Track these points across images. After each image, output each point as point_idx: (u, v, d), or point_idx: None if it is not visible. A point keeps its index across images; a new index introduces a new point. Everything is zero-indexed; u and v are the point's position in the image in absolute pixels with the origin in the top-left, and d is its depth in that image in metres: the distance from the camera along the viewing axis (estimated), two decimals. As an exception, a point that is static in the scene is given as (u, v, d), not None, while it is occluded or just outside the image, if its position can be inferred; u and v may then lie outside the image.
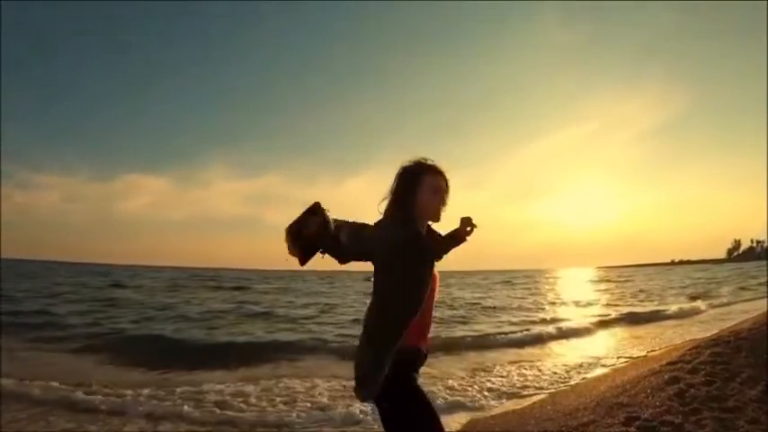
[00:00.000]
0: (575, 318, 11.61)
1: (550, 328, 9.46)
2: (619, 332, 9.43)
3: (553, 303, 16.56)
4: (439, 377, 5.37)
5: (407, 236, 1.46)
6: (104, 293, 18.32)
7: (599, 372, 5.53)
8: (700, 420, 2.98)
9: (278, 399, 4.67)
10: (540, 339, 8.48)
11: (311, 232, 1.32)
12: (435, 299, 1.55)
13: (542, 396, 4.63)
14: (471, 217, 1.76)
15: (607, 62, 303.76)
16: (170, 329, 9.72)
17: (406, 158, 1.59)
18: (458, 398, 4.56)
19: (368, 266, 1.51)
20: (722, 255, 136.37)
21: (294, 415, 4.17)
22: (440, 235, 1.72)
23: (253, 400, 4.62)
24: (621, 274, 51.22)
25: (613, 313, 11.98)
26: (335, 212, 1.44)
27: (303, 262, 1.35)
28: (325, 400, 4.61)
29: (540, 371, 5.74)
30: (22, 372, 5.50)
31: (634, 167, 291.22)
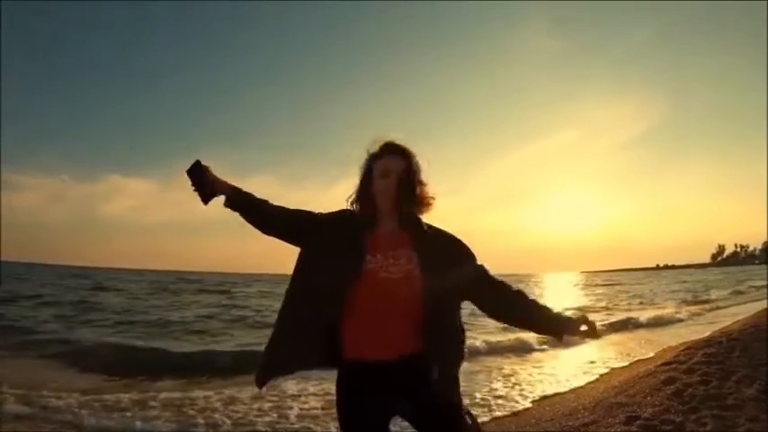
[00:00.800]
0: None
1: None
2: (614, 336, 9.45)
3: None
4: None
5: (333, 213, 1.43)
6: (82, 295, 17.79)
7: (595, 374, 5.54)
8: (700, 419, 2.99)
9: (267, 405, 4.51)
10: (535, 344, 8.46)
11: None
12: (399, 305, 1.29)
13: (540, 399, 4.61)
14: (596, 325, 1.43)
15: (590, 71, 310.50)
16: (139, 336, 9.31)
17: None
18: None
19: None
20: (706, 259, 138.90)
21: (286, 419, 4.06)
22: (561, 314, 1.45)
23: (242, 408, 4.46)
24: (608, 279, 51.68)
25: (607, 317, 12.02)
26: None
27: (206, 201, 1.42)
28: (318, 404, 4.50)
29: (535, 375, 5.72)
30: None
31: (616, 175, 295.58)
